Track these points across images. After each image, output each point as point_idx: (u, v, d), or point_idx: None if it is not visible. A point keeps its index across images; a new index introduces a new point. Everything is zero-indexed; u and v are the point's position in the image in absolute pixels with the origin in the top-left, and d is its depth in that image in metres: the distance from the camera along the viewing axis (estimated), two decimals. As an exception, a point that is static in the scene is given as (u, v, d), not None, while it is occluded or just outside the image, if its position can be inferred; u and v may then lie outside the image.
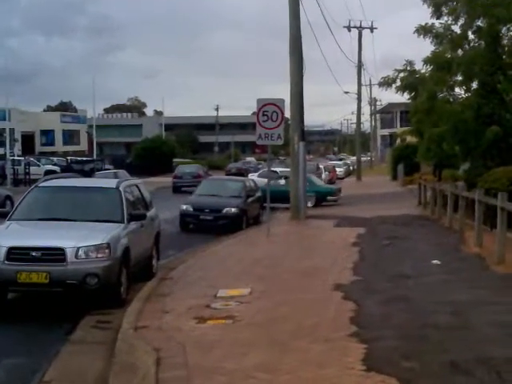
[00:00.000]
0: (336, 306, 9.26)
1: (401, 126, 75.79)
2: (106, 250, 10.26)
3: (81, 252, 10.06)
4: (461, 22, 23.96)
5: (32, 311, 10.55)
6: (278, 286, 11.24)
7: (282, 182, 29.42)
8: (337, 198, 32.38)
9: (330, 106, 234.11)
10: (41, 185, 13.11)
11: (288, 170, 31.18)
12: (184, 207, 22.35)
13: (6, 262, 9.92)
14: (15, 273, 9.83)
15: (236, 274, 12.49)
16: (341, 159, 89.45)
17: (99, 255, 10.19)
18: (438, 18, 24.18)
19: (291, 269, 12.83)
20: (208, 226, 21.68)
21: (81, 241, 10.20)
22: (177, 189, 42.23)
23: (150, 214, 13.30)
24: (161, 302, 10.22)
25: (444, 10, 23.97)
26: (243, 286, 10.92)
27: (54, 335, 9.03)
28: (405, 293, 9.91)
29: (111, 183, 12.80)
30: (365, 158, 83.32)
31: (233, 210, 21.89)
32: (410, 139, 38.88)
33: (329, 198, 31.79)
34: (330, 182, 46.04)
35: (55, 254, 10.00)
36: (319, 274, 12.02)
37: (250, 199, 23.64)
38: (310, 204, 29.68)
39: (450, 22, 24.24)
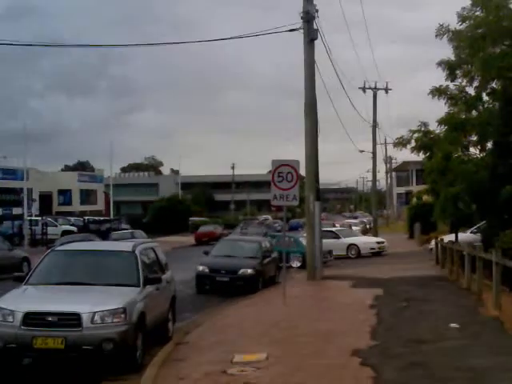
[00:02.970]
0: (354, 373, 9.13)
1: (417, 184, 75.93)
2: (122, 315, 10.24)
3: (97, 317, 10.05)
4: (475, 84, 24.14)
5: (47, 377, 10.46)
6: (295, 350, 11.12)
7: None
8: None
9: (345, 164, 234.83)
10: (57, 249, 13.19)
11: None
12: (200, 268, 22.30)
13: (22, 327, 9.90)
14: (31, 338, 9.81)
15: (252, 338, 12.37)
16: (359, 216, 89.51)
17: (115, 320, 10.15)
18: (452, 81, 24.35)
19: (308, 332, 12.70)
20: (224, 287, 21.57)
21: (96, 305, 10.18)
22: None
23: (165, 276, 13.31)
24: (176, 368, 10.13)
25: (458, 72, 24.18)
26: (260, 351, 10.81)
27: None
28: (423, 358, 9.77)
29: (127, 246, 12.75)
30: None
31: (249, 271, 21.78)
32: (427, 198, 38.76)
33: None
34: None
35: (71, 319, 9.98)
36: (336, 338, 11.89)
37: (266, 260, 23.55)
38: (296, 264, 29.93)
39: (464, 83, 24.44)
